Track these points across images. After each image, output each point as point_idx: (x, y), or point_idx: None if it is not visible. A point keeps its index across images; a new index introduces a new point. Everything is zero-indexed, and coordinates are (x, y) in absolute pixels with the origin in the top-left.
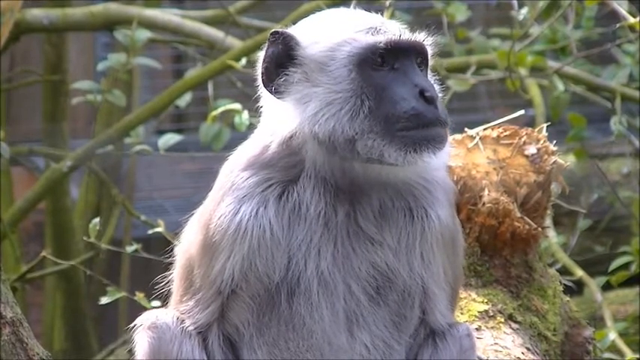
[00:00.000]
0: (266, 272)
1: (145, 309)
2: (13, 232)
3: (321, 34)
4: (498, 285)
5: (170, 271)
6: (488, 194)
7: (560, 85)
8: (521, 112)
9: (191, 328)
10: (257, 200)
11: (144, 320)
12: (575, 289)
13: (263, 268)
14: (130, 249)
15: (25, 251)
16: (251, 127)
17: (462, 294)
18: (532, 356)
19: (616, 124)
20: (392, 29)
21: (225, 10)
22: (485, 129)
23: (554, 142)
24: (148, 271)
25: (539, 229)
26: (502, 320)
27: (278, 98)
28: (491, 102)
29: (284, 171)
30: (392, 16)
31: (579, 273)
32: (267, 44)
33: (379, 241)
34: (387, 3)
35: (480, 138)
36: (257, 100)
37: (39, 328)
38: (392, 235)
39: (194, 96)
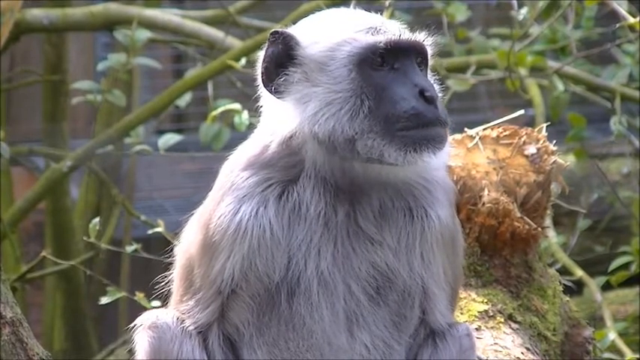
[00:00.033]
0: (266, 272)
1: (145, 309)
2: (13, 232)
3: (321, 34)
4: (498, 285)
5: (170, 271)
6: (488, 194)
7: (560, 85)
8: (521, 112)
9: (191, 327)
10: (257, 200)
11: (144, 320)
12: (575, 289)
13: (263, 267)
14: (130, 249)
15: (25, 251)
16: (251, 127)
17: (462, 294)
18: (532, 356)
19: (616, 124)
20: (392, 29)
21: (225, 10)
22: (485, 129)
23: (554, 142)
24: (148, 271)
25: (539, 229)
26: (502, 320)
27: (278, 98)
28: (491, 102)
29: (284, 171)
30: (392, 16)
31: (579, 273)
32: (267, 44)
33: (379, 241)
34: (387, 3)
35: (480, 138)
36: (257, 100)
37: (39, 328)
38: (392, 235)
39: (194, 96)
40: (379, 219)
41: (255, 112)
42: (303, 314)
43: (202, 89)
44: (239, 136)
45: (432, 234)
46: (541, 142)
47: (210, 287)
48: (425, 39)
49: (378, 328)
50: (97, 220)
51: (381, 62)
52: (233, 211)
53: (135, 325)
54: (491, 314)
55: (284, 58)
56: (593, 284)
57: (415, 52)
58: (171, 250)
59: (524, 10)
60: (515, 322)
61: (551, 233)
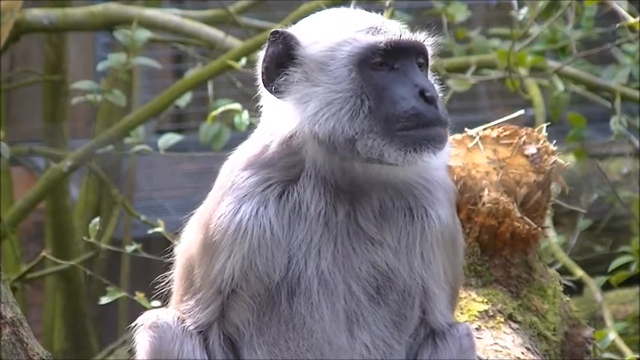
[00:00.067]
0: (266, 272)
1: (145, 309)
2: (13, 232)
3: (321, 34)
4: (498, 285)
5: (170, 271)
6: (488, 194)
7: (560, 85)
8: (521, 112)
9: (192, 327)
10: (257, 200)
11: (145, 320)
12: (575, 289)
13: (263, 267)
14: (130, 249)
15: (25, 251)
16: (251, 127)
17: (462, 294)
18: (532, 356)
19: (616, 124)
20: (392, 29)
21: (225, 10)
22: (485, 129)
23: (554, 142)
24: (148, 271)
25: (539, 229)
26: (502, 320)
27: (278, 98)
28: (491, 102)
29: (284, 171)
30: (392, 16)
31: (579, 273)
32: (267, 44)
33: (379, 240)
34: (387, 3)
35: (480, 138)
36: (257, 100)
37: (39, 328)
38: (392, 235)
39: (194, 96)
40: (379, 219)
41: (255, 112)
42: (304, 314)
43: (202, 89)
44: (239, 136)
45: (432, 234)
46: (541, 142)
47: (211, 287)
48: (425, 39)
49: (378, 327)
50: (97, 220)
51: (381, 62)
52: (233, 211)
53: (135, 325)
54: (492, 314)
55: (284, 58)
56: (593, 284)
57: (415, 52)
58: (172, 250)
59: (524, 10)
60: (516, 322)
61: (551, 233)
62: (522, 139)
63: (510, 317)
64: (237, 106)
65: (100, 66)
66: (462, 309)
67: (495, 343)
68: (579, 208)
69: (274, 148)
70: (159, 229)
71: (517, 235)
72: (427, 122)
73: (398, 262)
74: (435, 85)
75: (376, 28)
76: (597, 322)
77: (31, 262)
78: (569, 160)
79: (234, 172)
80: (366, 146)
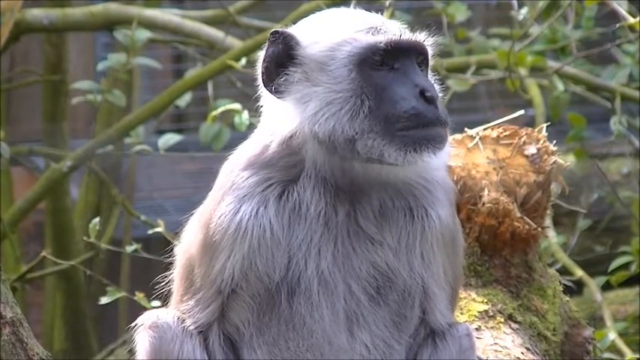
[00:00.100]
0: (266, 272)
1: (145, 309)
2: (13, 232)
3: (322, 34)
4: (498, 285)
5: (170, 271)
6: (488, 194)
7: (560, 85)
8: (521, 112)
9: (192, 327)
10: (257, 200)
11: (145, 320)
12: (575, 289)
13: (263, 267)
14: (130, 249)
15: (25, 251)
16: (251, 127)
17: (462, 294)
18: (532, 356)
19: (616, 124)
20: (392, 29)
21: (225, 10)
22: (485, 129)
23: (554, 142)
24: (148, 271)
25: (539, 229)
26: (502, 320)
27: (278, 98)
28: (491, 102)
29: (284, 171)
30: (392, 16)
31: (579, 273)
32: (267, 44)
33: (379, 240)
34: (387, 3)
35: (480, 138)
36: (257, 100)
37: (39, 328)
38: (392, 235)
39: (194, 96)
40: (379, 219)
41: (255, 112)
42: (304, 314)
43: (202, 89)
44: (239, 136)
45: (432, 234)
46: (541, 142)
47: (211, 287)
48: (425, 39)
49: (378, 327)
50: (97, 220)
51: (381, 62)
52: (233, 211)
53: (135, 325)
54: (491, 314)
55: (284, 58)
56: (593, 284)
57: (415, 52)
58: (172, 250)
59: (524, 10)
60: (515, 322)
61: (551, 233)
62: (522, 139)
63: (510, 317)
64: (237, 106)
65: (100, 66)
66: (461, 309)
67: (495, 343)
68: (579, 208)
69: (274, 148)
70: (159, 229)
71: (517, 235)
72: (427, 122)
73: (398, 262)
74: (435, 85)
75: (376, 28)
76: (597, 322)
77: (31, 262)
78: (569, 160)
79: (234, 172)
80: (366, 146)
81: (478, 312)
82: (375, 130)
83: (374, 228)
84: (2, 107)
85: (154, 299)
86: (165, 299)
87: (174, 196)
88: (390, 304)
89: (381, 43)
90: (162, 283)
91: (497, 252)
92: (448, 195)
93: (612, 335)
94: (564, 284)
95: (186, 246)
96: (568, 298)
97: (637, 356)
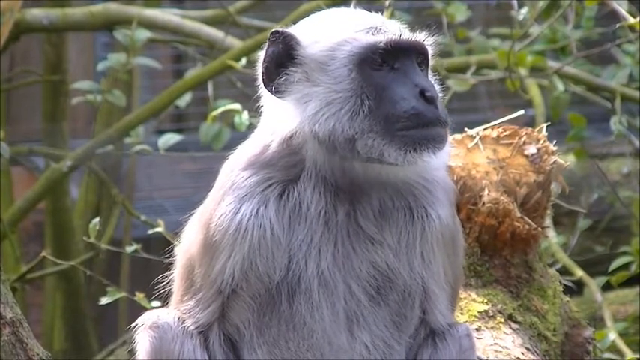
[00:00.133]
0: (266, 272)
1: (145, 309)
2: (13, 232)
3: (322, 34)
4: (498, 285)
5: (170, 271)
6: (488, 194)
7: (560, 85)
8: (521, 112)
9: (192, 327)
10: (257, 200)
11: (145, 320)
12: (575, 289)
13: (263, 267)
14: (130, 249)
15: (25, 251)
16: (251, 127)
17: (462, 294)
18: (532, 356)
19: (616, 124)
20: (392, 29)
21: (225, 10)
22: (485, 129)
23: (554, 142)
24: (148, 271)
25: (539, 229)
26: (502, 320)
27: (278, 98)
28: (491, 102)
29: (284, 170)
30: (392, 16)
31: (579, 273)
32: (267, 44)
33: (379, 240)
34: (387, 3)
35: (480, 138)
36: (257, 100)
37: (39, 328)
38: (392, 235)
39: (194, 96)
40: (379, 219)
41: (255, 112)
42: (304, 314)
43: (202, 89)
44: (239, 136)
45: (432, 234)
46: (541, 142)
47: (211, 287)
48: (425, 39)
49: (378, 327)
50: (97, 220)
51: (382, 62)
52: (233, 211)
53: (135, 325)
54: (491, 314)
55: (284, 58)
56: (593, 284)
57: (415, 52)
58: (172, 250)
59: (524, 10)
60: (515, 322)
61: (551, 233)
62: (522, 139)
63: (510, 317)
64: (237, 106)
65: (100, 66)
66: (462, 309)
67: (495, 344)
68: (579, 208)
69: (274, 148)
70: (159, 229)
71: (517, 235)
72: (427, 122)
73: (398, 262)
74: (435, 85)
75: (376, 28)
76: (597, 322)
77: (31, 262)
78: (569, 160)
79: (235, 172)
80: (366, 146)
81: (478, 312)
82: (375, 129)
83: (374, 228)
84: (2, 107)
85: (154, 299)
86: (165, 299)
87: (174, 196)
88: (390, 304)
89: (381, 42)
90: (162, 283)
91: (497, 252)
92: (448, 195)
93: (612, 335)
94: (564, 284)
95: (187, 246)
96: (568, 298)
97: (637, 356)
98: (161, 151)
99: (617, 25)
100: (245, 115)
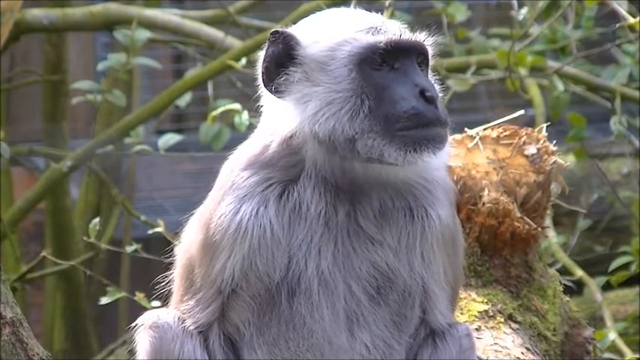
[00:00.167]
0: (266, 272)
1: (144, 309)
2: (13, 232)
3: (322, 34)
4: (498, 285)
5: (170, 271)
6: (488, 194)
7: (560, 85)
8: (521, 112)
9: (192, 327)
10: (257, 200)
11: (145, 320)
12: (575, 289)
13: (263, 267)
14: (130, 249)
15: (25, 251)
16: (251, 127)
17: (462, 294)
18: (532, 356)
19: (616, 124)
20: (392, 29)
21: (225, 10)
22: (485, 129)
23: (554, 142)
24: (148, 271)
25: (539, 229)
26: (502, 320)
27: (278, 98)
28: (491, 102)
29: (284, 170)
30: (392, 16)
31: (579, 273)
32: (267, 44)
33: (379, 240)
34: (387, 3)
35: (480, 138)
36: (257, 100)
37: (39, 328)
38: (392, 235)
39: (194, 96)
40: (379, 219)
41: (255, 112)
42: (304, 314)
43: (202, 89)
44: (239, 136)
45: (432, 234)
46: (541, 142)
47: (211, 287)
48: (425, 39)
49: (378, 327)
50: (97, 220)
51: (382, 62)
52: (233, 211)
53: (135, 325)
54: (491, 314)
55: (284, 58)
56: (593, 284)
57: (415, 52)
58: (172, 250)
59: (524, 10)
60: (515, 322)
61: (551, 233)
62: (522, 139)
63: (510, 317)
64: (237, 106)
65: (100, 66)
66: (462, 309)
67: (495, 344)
68: (579, 208)
69: (274, 148)
70: (159, 229)
71: (517, 235)
72: (427, 122)
73: (398, 262)
74: (435, 85)
75: (376, 28)
76: (597, 322)
77: (31, 262)
78: (569, 160)
79: (235, 172)
80: (366, 146)
81: (478, 312)
82: (375, 129)
83: (374, 228)
84: (2, 107)
85: (154, 299)
86: (165, 299)
87: (174, 196)
88: (390, 304)
89: (381, 42)
90: (162, 283)
91: (497, 252)
92: (448, 195)
93: (612, 335)
94: (564, 284)
95: (187, 246)
96: (568, 298)
97: (637, 356)
98: (161, 151)
99: (617, 25)
100: (245, 115)
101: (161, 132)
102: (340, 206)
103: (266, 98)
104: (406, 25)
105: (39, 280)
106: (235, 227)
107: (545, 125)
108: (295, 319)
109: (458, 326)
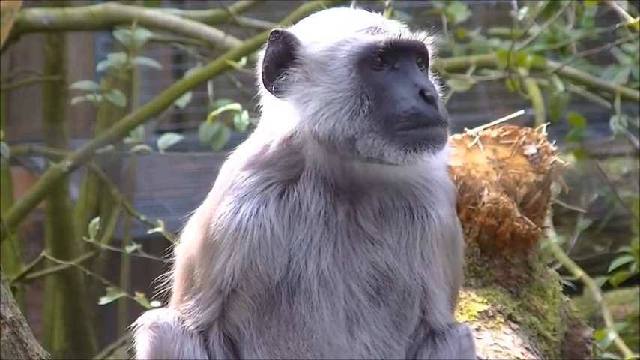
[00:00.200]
0: (266, 271)
1: (145, 309)
2: (13, 232)
3: (322, 34)
4: (498, 285)
5: (170, 271)
6: (487, 194)
7: (560, 85)
8: (521, 112)
9: (192, 327)
10: (257, 200)
11: (145, 320)
12: (575, 289)
13: (263, 267)
14: (130, 249)
15: (25, 251)
16: (251, 127)
17: (462, 294)
18: (532, 356)
19: (616, 124)
20: (392, 29)
21: (225, 10)
22: (485, 129)
23: (554, 142)
24: (148, 271)
25: (539, 229)
26: (502, 320)
27: (278, 98)
28: (491, 102)
29: (284, 170)
30: (392, 16)
31: (579, 273)
32: (267, 44)
33: (379, 240)
34: (387, 3)
35: (480, 138)
36: (257, 100)
37: (39, 328)
38: (392, 235)
39: (194, 96)
40: (379, 219)
41: (255, 112)
42: (304, 314)
43: (202, 89)
44: (239, 136)
45: (432, 234)
46: (541, 142)
47: (211, 287)
48: (425, 39)
49: (378, 327)
50: (97, 220)
51: (382, 62)
52: (233, 211)
53: (135, 325)
54: (491, 314)
55: (284, 58)
56: (593, 284)
57: (415, 51)
58: (172, 250)
59: (524, 10)
60: (515, 322)
61: (551, 233)
62: (522, 139)
63: (510, 317)
64: (237, 106)
65: (100, 66)
66: (461, 309)
67: (495, 344)
68: (579, 208)
69: (274, 148)
70: (159, 229)
71: (517, 235)
72: (427, 122)
73: (398, 262)
74: (435, 85)
75: (376, 27)
76: (597, 322)
77: (31, 262)
78: (569, 160)
79: (234, 171)
80: (366, 146)
81: (478, 312)
82: (375, 129)
83: (374, 228)
84: (2, 107)
85: (154, 299)
86: (165, 299)
87: (174, 196)
88: (390, 304)
89: (380, 42)
90: (163, 283)
91: (497, 252)
92: (448, 195)
93: (612, 335)
94: (564, 284)
95: (187, 246)
96: (568, 298)
97: (637, 356)
98: (161, 151)
99: (617, 25)
100: (245, 115)
101: (161, 132)
102: (340, 206)
103: (266, 98)
104: (406, 25)
105: (39, 280)
106: (235, 227)
107: (544, 125)
108: (295, 319)
109: (458, 326)
